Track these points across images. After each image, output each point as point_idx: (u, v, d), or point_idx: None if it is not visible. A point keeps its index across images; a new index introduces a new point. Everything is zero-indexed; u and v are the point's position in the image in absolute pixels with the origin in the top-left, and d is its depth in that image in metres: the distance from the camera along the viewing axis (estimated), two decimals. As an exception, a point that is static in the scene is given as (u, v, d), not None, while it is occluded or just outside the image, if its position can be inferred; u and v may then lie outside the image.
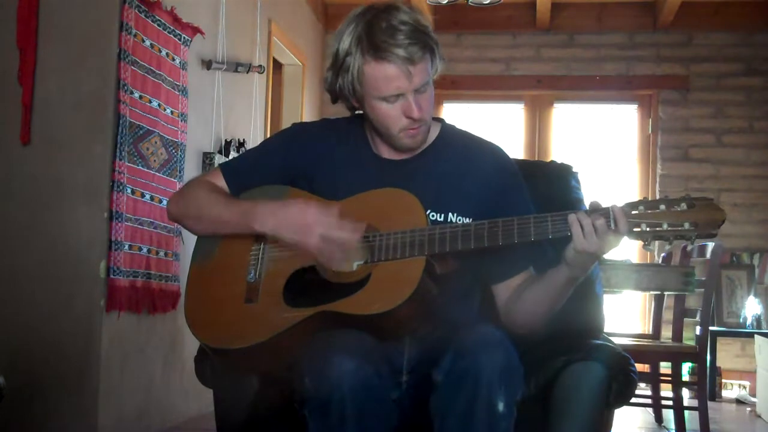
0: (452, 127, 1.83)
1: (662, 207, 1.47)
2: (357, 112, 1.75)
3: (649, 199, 1.49)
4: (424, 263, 1.54)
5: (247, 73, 4.41)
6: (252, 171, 1.78)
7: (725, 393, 5.66)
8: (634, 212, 1.47)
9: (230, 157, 4.17)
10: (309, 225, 1.58)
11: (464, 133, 1.83)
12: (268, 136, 4.97)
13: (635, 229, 1.47)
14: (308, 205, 1.60)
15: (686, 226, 1.45)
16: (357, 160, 1.74)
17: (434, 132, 1.77)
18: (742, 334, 5.56)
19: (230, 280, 1.67)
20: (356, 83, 1.64)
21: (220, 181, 1.78)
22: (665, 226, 1.46)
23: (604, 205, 1.52)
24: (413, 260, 1.54)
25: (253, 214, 1.65)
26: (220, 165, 1.83)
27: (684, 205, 1.46)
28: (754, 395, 5.29)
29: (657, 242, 1.50)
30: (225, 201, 1.73)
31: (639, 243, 1.49)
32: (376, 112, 1.65)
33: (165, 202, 3.47)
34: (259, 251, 1.67)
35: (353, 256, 1.59)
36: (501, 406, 1.43)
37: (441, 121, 1.83)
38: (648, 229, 1.46)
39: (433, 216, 1.66)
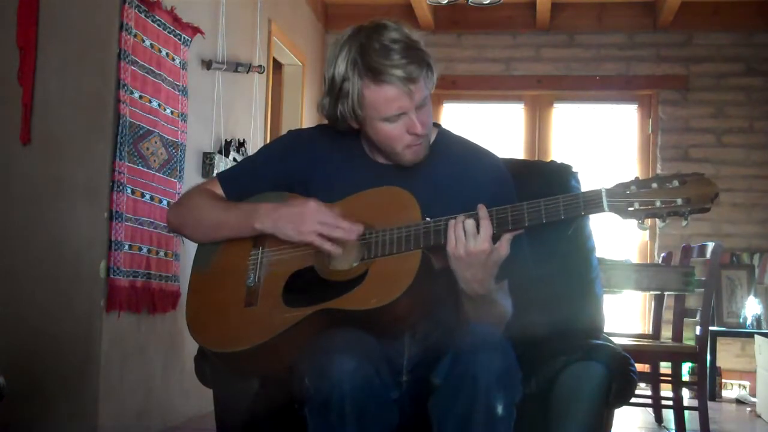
0: (449, 133, 1.83)
1: (654, 185, 1.47)
2: None
3: (641, 178, 1.49)
4: (420, 256, 1.54)
5: (247, 73, 4.41)
6: (249, 179, 1.79)
7: (725, 393, 5.66)
8: (627, 192, 1.47)
9: (230, 156, 4.18)
10: (306, 221, 1.59)
11: (460, 140, 1.83)
12: (268, 136, 4.98)
13: (629, 209, 1.47)
14: (307, 201, 1.62)
15: (679, 201, 1.45)
16: (353, 164, 1.75)
17: (431, 138, 1.77)
18: (742, 334, 5.56)
19: (230, 285, 1.68)
20: (357, 108, 1.63)
21: (217, 191, 1.79)
22: (658, 204, 1.46)
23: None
24: (410, 254, 1.55)
25: (253, 213, 1.66)
26: (217, 174, 1.84)
27: (676, 182, 1.46)
28: (754, 395, 5.29)
29: (651, 220, 1.49)
30: (225, 204, 1.74)
31: (638, 228, 1.49)
32: (379, 132, 1.66)
33: (165, 202, 3.47)
34: (258, 256, 1.68)
35: (350, 252, 1.60)
36: (500, 409, 1.43)
37: (438, 126, 1.83)
38: (641, 207, 1.46)
39: None
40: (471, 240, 1.50)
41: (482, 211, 1.52)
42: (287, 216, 1.61)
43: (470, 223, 1.51)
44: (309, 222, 1.58)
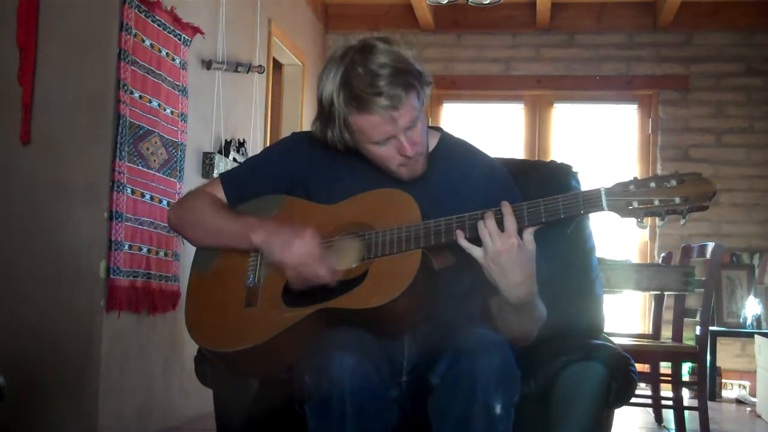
0: (450, 137, 1.83)
1: (653, 184, 1.48)
2: None
3: (640, 178, 1.49)
4: (420, 256, 1.55)
5: (247, 73, 4.41)
6: (251, 180, 1.79)
7: (725, 393, 5.66)
8: (625, 191, 1.48)
9: (230, 156, 4.18)
10: (294, 245, 1.58)
11: (462, 144, 1.83)
12: (268, 136, 4.99)
13: (628, 207, 1.48)
14: (299, 233, 1.59)
15: (677, 200, 1.46)
16: (354, 168, 1.75)
17: (432, 142, 1.78)
18: (742, 334, 5.57)
19: (230, 285, 1.68)
20: (345, 133, 1.65)
21: (220, 192, 1.80)
22: (657, 202, 1.47)
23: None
24: (409, 254, 1.56)
25: (253, 226, 1.66)
26: (220, 175, 1.85)
27: (674, 182, 1.47)
28: (754, 395, 5.29)
29: (650, 219, 1.50)
30: (225, 214, 1.74)
31: (637, 227, 1.50)
32: (371, 154, 1.67)
33: (165, 202, 3.47)
34: (258, 256, 1.68)
35: (350, 252, 1.60)
36: (498, 409, 1.43)
37: (440, 130, 1.83)
38: (639, 206, 1.47)
39: None
40: (497, 239, 1.50)
41: (506, 207, 1.51)
42: (279, 236, 1.61)
43: (491, 223, 1.50)
44: (295, 248, 1.57)
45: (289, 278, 1.60)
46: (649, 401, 4.23)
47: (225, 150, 4.18)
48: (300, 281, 1.59)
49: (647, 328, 5.60)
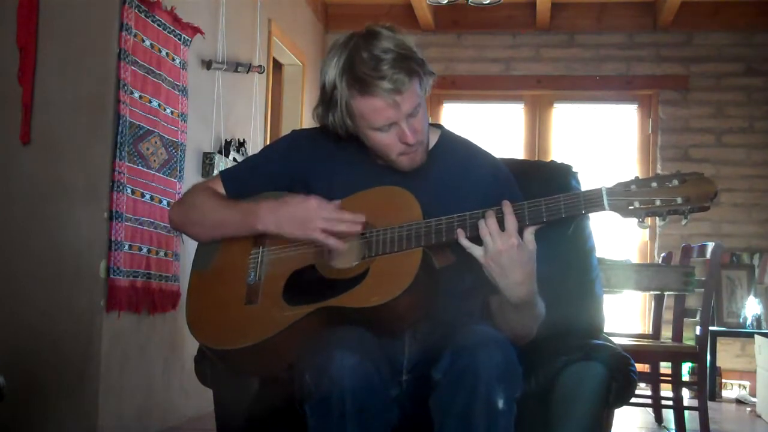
0: (451, 134, 1.83)
1: (654, 184, 1.48)
2: None
3: (641, 177, 1.49)
4: (421, 254, 1.55)
5: (247, 73, 4.41)
6: (251, 178, 1.80)
7: (725, 393, 5.66)
8: (627, 190, 1.48)
9: (230, 156, 4.18)
10: (310, 218, 1.60)
11: (463, 141, 1.84)
12: (268, 136, 4.99)
13: (629, 207, 1.47)
14: (307, 199, 1.63)
15: (678, 200, 1.46)
16: (355, 165, 1.75)
17: (433, 139, 1.78)
18: (742, 334, 5.57)
19: (230, 283, 1.68)
20: (346, 118, 1.65)
21: (220, 188, 1.80)
22: (658, 202, 1.47)
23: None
24: (410, 252, 1.56)
25: (254, 213, 1.67)
26: (221, 172, 1.85)
27: (675, 181, 1.47)
28: (754, 395, 5.29)
29: (651, 219, 1.50)
30: (226, 204, 1.75)
31: (638, 227, 1.50)
32: (372, 140, 1.67)
33: (165, 202, 3.47)
34: (258, 254, 1.69)
35: (351, 251, 1.60)
36: (500, 404, 1.44)
37: (440, 127, 1.83)
38: (641, 206, 1.47)
39: None
40: (497, 238, 1.50)
41: (507, 206, 1.52)
42: (290, 216, 1.62)
43: (492, 222, 1.51)
44: (312, 219, 1.59)
45: (323, 245, 1.59)
46: (649, 401, 4.23)
47: (225, 150, 4.18)
48: (332, 242, 1.58)
49: (647, 328, 5.60)
